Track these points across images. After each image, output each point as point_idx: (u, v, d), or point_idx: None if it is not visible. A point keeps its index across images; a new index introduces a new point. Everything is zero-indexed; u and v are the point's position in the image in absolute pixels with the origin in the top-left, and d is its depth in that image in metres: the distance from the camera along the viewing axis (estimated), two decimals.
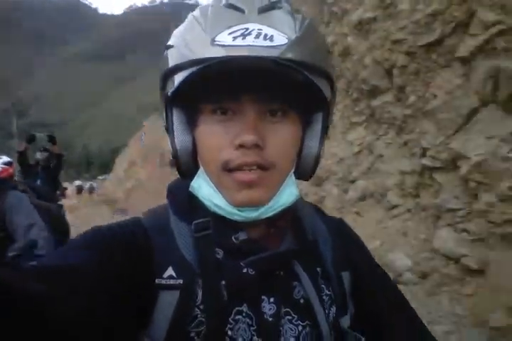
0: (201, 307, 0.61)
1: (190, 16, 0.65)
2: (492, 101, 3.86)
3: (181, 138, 0.66)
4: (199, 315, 0.61)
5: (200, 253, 0.64)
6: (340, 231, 0.80)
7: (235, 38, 0.57)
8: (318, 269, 0.71)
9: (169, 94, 0.62)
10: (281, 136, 0.63)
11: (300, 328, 0.65)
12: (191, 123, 0.66)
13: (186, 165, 0.67)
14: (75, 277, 0.53)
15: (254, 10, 0.61)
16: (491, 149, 3.65)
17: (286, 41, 0.58)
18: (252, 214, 0.63)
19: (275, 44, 0.57)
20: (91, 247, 0.59)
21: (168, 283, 0.61)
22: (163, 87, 0.64)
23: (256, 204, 0.63)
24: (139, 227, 0.67)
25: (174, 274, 0.62)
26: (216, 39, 0.57)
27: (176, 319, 0.60)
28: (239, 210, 0.63)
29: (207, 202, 0.65)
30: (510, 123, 3.65)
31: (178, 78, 0.59)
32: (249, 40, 0.57)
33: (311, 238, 0.73)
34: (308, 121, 0.68)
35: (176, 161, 0.67)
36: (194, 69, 0.56)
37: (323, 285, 0.70)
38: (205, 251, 0.64)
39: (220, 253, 0.66)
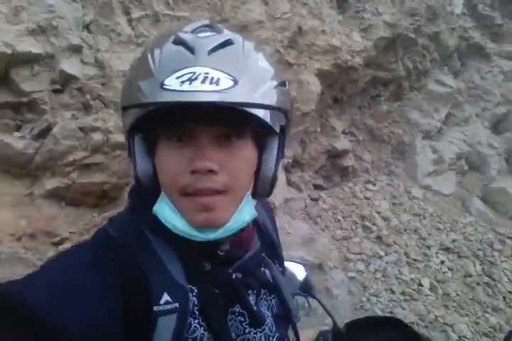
0: (199, 317, 0.69)
1: (145, 51, 0.68)
2: None
3: (142, 164, 0.69)
4: (193, 323, 0.68)
5: (191, 273, 0.70)
6: (272, 216, 0.99)
7: (182, 83, 0.58)
8: (273, 253, 0.89)
9: (126, 127, 0.68)
10: (236, 160, 0.66)
11: (269, 301, 0.82)
12: (150, 150, 0.69)
13: (148, 189, 0.70)
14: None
15: (203, 50, 0.62)
16: None
17: (231, 84, 0.59)
18: (211, 235, 0.66)
19: (220, 88, 0.58)
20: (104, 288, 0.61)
21: (165, 308, 0.64)
22: (123, 116, 0.69)
23: (214, 226, 0.66)
24: (128, 253, 0.67)
25: (170, 299, 0.64)
26: (165, 83, 0.59)
27: (176, 338, 0.64)
28: (199, 231, 0.65)
29: (168, 225, 0.66)
30: None
31: (131, 115, 0.65)
32: (196, 85, 0.58)
33: (267, 231, 0.89)
34: (264, 144, 0.71)
35: (139, 185, 0.71)
36: (143, 111, 0.62)
37: (277, 265, 0.88)
38: (195, 269, 0.71)
39: (207, 266, 0.72)
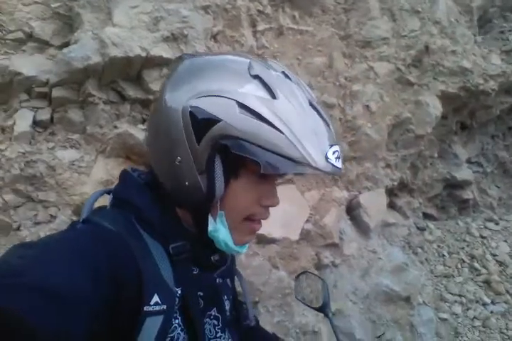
0: (179, 317, 0.74)
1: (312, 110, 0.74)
2: None
3: (219, 185, 0.73)
4: (174, 322, 0.73)
5: (179, 275, 0.74)
6: None
7: (336, 159, 0.72)
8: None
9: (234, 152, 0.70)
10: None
11: (227, 301, 0.91)
12: (231, 173, 0.74)
13: (199, 203, 0.76)
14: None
15: (332, 127, 0.76)
16: None
17: (341, 163, 0.75)
18: (244, 250, 0.82)
19: (341, 166, 0.74)
20: (94, 279, 0.60)
21: (154, 309, 0.67)
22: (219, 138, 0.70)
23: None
24: (124, 247, 0.68)
25: (159, 300, 0.67)
26: (328, 156, 0.70)
27: (159, 337, 0.68)
28: (240, 247, 0.80)
29: (220, 242, 0.77)
30: None
31: (261, 154, 0.69)
32: (338, 164, 0.72)
33: None
34: None
35: (205, 202, 0.75)
36: (290, 164, 0.69)
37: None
38: (184, 272, 0.76)
39: (195, 270, 0.80)
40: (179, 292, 0.73)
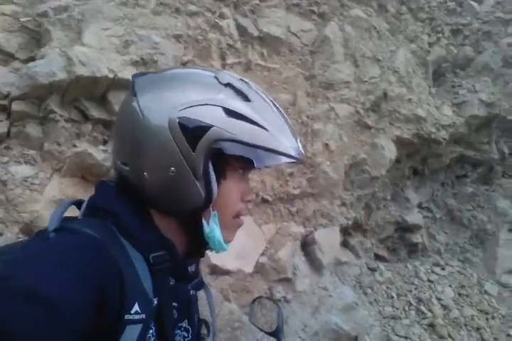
0: (153, 328, 0.73)
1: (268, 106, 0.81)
2: None
3: (215, 188, 0.77)
4: (149, 333, 0.72)
5: (157, 285, 0.73)
6: None
7: (302, 148, 0.81)
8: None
9: (227, 153, 0.75)
10: None
11: (196, 314, 0.91)
12: (220, 174, 0.78)
13: (200, 207, 0.78)
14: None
15: None
16: None
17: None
18: (229, 247, 0.83)
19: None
20: (84, 289, 0.61)
21: (134, 318, 0.67)
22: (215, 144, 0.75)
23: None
24: (108, 254, 0.68)
25: (139, 309, 0.67)
26: (299, 146, 0.79)
27: None
28: (227, 245, 0.82)
29: (215, 242, 0.79)
30: None
31: (241, 149, 0.75)
32: (303, 152, 0.81)
33: None
34: None
35: (203, 206, 0.77)
36: (271, 156, 0.77)
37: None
38: (162, 282, 0.75)
39: (172, 281, 0.79)
40: (155, 302, 0.73)
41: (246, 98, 0.77)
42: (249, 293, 2.86)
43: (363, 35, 4.19)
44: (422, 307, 4.30)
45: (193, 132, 0.73)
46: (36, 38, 2.94)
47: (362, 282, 4.31)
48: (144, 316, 0.68)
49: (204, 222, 0.78)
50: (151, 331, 0.72)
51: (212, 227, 0.78)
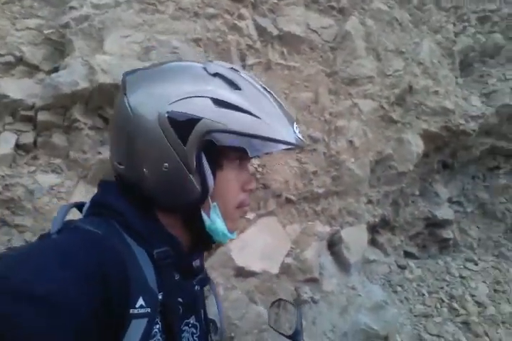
0: (159, 323, 0.73)
1: (264, 97, 0.80)
2: None
3: (210, 180, 0.76)
4: (155, 328, 0.71)
5: (161, 280, 0.73)
6: None
7: (300, 133, 0.80)
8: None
9: (221, 144, 0.74)
10: None
11: (202, 310, 0.91)
12: (215, 165, 0.77)
13: (199, 200, 0.78)
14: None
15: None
16: None
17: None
18: (235, 235, 0.85)
19: (303, 139, 0.81)
20: (89, 284, 0.61)
21: (139, 312, 0.67)
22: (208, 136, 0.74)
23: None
24: (112, 250, 0.68)
25: (144, 303, 0.68)
26: (295, 132, 0.78)
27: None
28: (233, 234, 0.83)
29: (219, 233, 0.80)
30: None
31: (235, 139, 0.74)
32: (302, 137, 0.80)
33: None
34: None
35: (200, 199, 0.77)
36: (266, 143, 0.76)
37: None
38: (167, 277, 0.75)
39: (177, 276, 0.79)
40: (160, 297, 0.72)
41: (236, 87, 0.76)
42: (275, 294, 2.86)
43: (385, 28, 4.09)
44: (455, 305, 4.19)
45: (182, 126, 0.73)
46: (60, 49, 3.01)
47: (391, 280, 4.24)
48: (149, 310, 0.68)
49: (204, 214, 0.78)
50: (157, 326, 0.72)
51: (213, 219, 0.78)
